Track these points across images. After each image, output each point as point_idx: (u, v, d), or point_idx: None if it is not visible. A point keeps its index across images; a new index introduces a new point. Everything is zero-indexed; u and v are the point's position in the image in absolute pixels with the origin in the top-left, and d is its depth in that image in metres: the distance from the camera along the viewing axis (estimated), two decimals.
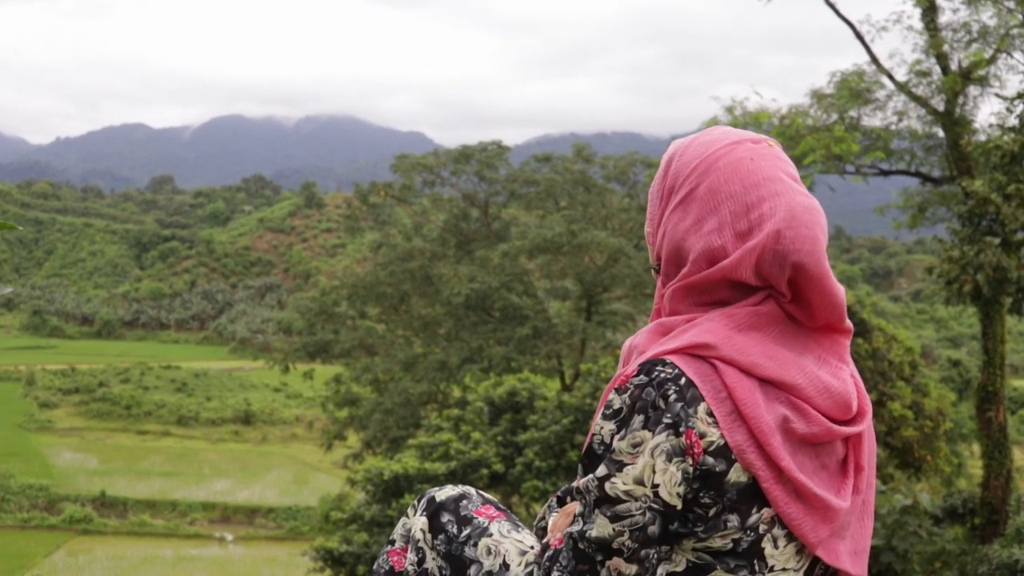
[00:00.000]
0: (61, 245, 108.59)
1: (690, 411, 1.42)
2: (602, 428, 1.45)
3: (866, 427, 1.55)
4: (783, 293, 1.49)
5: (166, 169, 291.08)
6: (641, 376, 1.44)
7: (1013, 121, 13.14)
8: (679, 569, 1.47)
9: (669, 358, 1.45)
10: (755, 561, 1.46)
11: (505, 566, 1.63)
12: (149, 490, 38.88)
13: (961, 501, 13.90)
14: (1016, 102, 13.10)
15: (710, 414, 1.42)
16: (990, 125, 13.93)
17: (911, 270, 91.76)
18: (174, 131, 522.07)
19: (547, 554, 1.54)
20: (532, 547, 1.67)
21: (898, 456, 13.21)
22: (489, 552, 1.66)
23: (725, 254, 1.49)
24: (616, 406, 1.45)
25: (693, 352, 1.45)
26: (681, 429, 1.41)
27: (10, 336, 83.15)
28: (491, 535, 1.68)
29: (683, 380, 1.43)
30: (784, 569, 1.48)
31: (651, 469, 1.41)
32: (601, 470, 1.43)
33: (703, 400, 1.42)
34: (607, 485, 1.42)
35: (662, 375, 1.43)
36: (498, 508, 1.77)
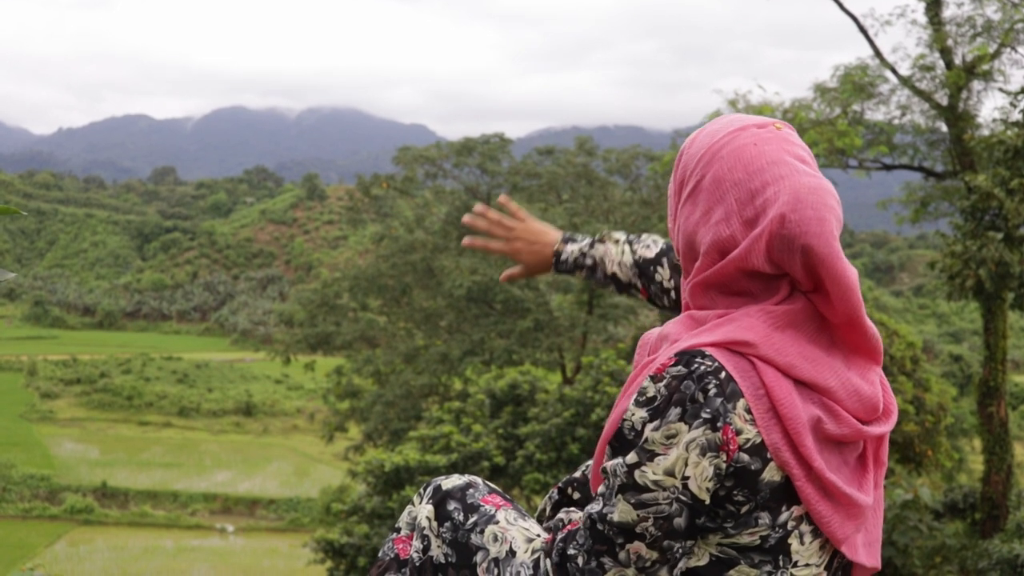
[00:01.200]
0: (63, 236, 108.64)
1: (729, 406, 1.40)
2: (634, 415, 1.43)
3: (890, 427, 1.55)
4: (800, 281, 1.46)
5: (168, 160, 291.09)
6: (679, 367, 1.42)
7: (1017, 116, 13.14)
8: (701, 563, 1.47)
9: (708, 351, 1.42)
10: (780, 557, 1.45)
11: (512, 553, 1.62)
12: (150, 481, 38.93)
13: (962, 496, 13.91)
14: (1020, 97, 13.09)
15: (748, 411, 1.40)
16: (993, 120, 13.97)
17: (913, 265, 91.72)
18: (176, 122, 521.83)
19: (562, 534, 1.54)
20: (539, 535, 1.65)
21: (899, 451, 13.23)
22: (495, 539, 1.64)
23: (735, 244, 1.47)
24: (650, 394, 1.42)
25: (733, 348, 1.43)
26: (719, 424, 1.39)
27: (12, 326, 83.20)
28: (498, 522, 1.67)
29: (723, 374, 1.40)
30: (807, 564, 1.48)
31: (684, 462, 1.39)
32: (631, 457, 1.42)
33: (742, 396, 1.40)
34: (636, 473, 1.41)
35: (702, 368, 1.41)
36: (504, 498, 1.75)
